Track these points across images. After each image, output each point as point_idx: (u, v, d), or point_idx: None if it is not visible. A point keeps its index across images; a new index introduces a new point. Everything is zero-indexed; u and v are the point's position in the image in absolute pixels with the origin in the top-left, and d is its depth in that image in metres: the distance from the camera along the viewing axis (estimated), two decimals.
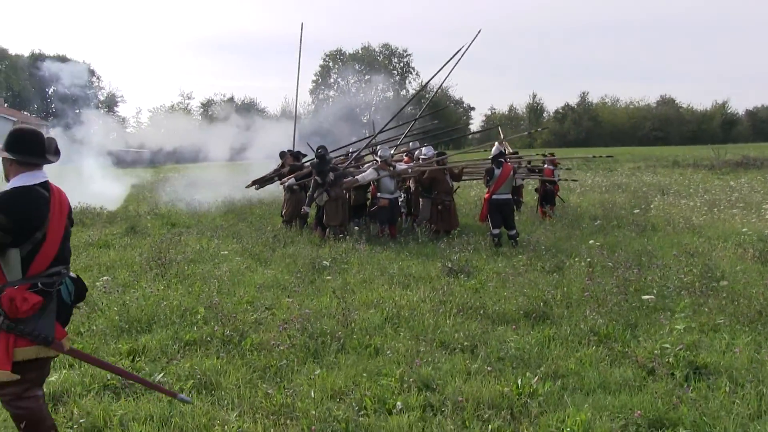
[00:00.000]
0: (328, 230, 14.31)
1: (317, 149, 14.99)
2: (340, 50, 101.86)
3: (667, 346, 6.33)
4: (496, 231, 13.24)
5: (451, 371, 6.20)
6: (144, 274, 10.44)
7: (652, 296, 8.20)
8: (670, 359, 6.16)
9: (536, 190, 18.42)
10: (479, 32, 18.19)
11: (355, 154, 17.21)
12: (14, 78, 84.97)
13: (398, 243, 13.44)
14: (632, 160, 45.65)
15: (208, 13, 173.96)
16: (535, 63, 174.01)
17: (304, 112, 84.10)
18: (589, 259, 10.36)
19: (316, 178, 14.50)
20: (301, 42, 20.32)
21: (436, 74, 18.81)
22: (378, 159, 14.95)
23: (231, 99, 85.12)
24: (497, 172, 13.33)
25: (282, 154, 17.22)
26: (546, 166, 18.40)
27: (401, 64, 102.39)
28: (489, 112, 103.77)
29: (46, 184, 4.39)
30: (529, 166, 18.61)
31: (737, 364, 6.23)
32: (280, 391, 5.67)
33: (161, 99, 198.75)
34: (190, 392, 5.79)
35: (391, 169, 14.69)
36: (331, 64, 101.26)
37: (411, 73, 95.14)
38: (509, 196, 13.61)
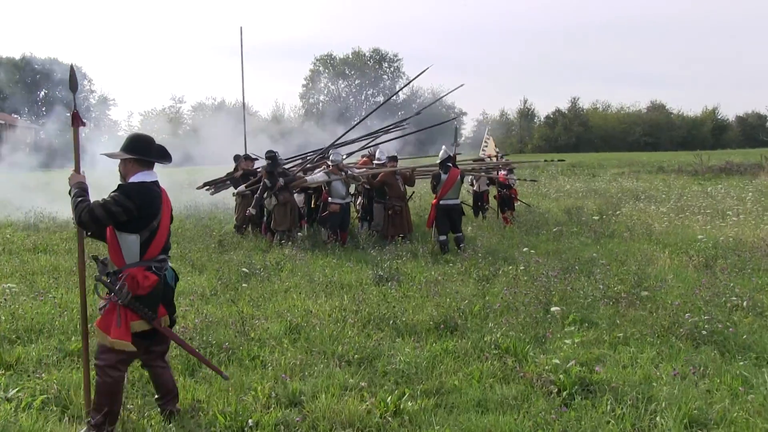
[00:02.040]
0: (276, 235, 14.03)
1: (266, 153, 14.72)
2: (331, 54, 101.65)
3: (557, 361, 5.96)
4: (443, 238, 13.00)
5: (326, 386, 5.85)
6: (65, 281, 10.10)
7: (558, 308, 7.83)
8: (561, 376, 5.81)
9: (494, 197, 18.07)
10: (430, 66, 18.24)
11: (309, 160, 16.89)
12: (5, 81, 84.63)
13: (345, 249, 13.11)
14: (618, 165, 45.29)
15: (202, 16, 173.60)
16: (527, 67, 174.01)
17: (295, 116, 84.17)
18: (522, 267, 10.01)
19: (265, 181, 14.21)
20: (242, 46, 20.64)
21: (392, 96, 18.47)
22: (329, 163, 14.62)
23: (222, 103, 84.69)
24: (444, 177, 13.12)
25: (236, 158, 16.89)
26: (501, 172, 18.02)
27: (391, 69, 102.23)
28: (481, 117, 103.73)
29: (157, 183, 5.02)
30: (485, 174, 18.21)
31: (632, 380, 5.89)
32: (135, 405, 5.36)
33: (153, 103, 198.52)
34: (39, 408, 5.47)
35: (343, 174, 14.37)
36: (321, 68, 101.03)
37: (401, 78, 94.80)
38: (457, 201, 13.40)
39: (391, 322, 7.72)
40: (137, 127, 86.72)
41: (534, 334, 7.14)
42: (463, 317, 7.91)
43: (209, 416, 5.32)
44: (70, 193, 4.96)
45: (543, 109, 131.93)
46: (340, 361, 6.52)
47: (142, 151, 4.99)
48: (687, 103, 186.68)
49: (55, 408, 5.52)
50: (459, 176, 13.31)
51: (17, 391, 5.81)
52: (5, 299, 8.61)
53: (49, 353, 6.80)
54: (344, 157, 15.19)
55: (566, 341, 6.50)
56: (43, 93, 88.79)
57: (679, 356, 6.53)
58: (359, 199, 16.21)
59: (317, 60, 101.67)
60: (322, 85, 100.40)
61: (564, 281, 8.98)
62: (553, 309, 7.78)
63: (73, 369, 6.39)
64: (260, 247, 13.33)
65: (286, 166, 16.12)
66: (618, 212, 18.43)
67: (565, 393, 5.59)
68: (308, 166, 16.21)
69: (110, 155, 5.08)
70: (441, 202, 13.12)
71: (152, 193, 4.91)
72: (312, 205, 16.01)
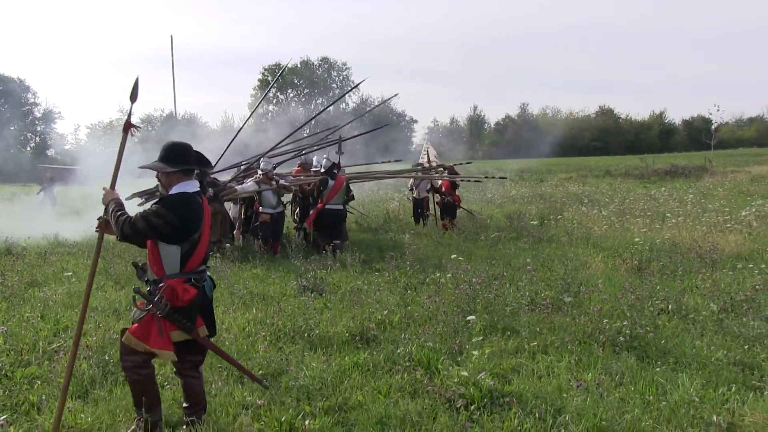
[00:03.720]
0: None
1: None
2: (279, 64, 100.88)
3: (465, 374, 5.69)
4: (319, 240, 13.68)
5: (223, 404, 5.53)
6: None
7: (475, 317, 7.57)
8: (471, 389, 5.53)
9: (437, 203, 17.85)
10: (368, 78, 17.98)
11: (242, 169, 16.45)
12: None
13: (274, 260, 12.76)
14: (566, 170, 45.68)
15: (147, 27, 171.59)
16: (477, 75, 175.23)
17: (245, 126, 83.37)
18: (449, 275, 9.76)
19: None
20: (172, 54, 20.29)
21: (324, 110, 18.22)
22: (260, 172, 14.25)
23: (170, 114, 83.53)
24: (331, 183, 13.77)
25: None
26: (443, 179, 17.78)
27: (340, 77, 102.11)
28: (431, 124, 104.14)
29: (199, 193, 4.93)
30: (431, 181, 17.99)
31: (545, 391, 5.65)
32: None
33: (100, 115, 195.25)
34: None
35: (273, 183, 14.03)
36: (270, 78, 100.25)
37: (350, 86, 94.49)
38: (341, 207, 14.03)
39: (305, 334, 7.39)
40: (84, 140, 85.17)
41: (450, 345, 6.85)
42: (381, 328, 7.62)
43: None
44: (107, 210, 4.90)
45: (493, 116, 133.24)
46: (243, 377, 6.17)
47: (181, 160, 4.89)
48: (635, 108, 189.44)
49: None
50: (344, 183, 13.96)
51: None
52: None
53: None
54: (274, 166, 14.82)
55: (474, 352, 6.22)
56: None
57: (598, 364, 6.32)
58: (297, 209, 15.92)
59: (265, 69, 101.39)
60: (271, 94, 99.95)
61: (489, 288, 8.73)
62: (469, 318, 7.51)
63: None
64: None
65: (222, 176, 15.71)
66: (560, 217, 18.36)
67: (473, 407, 5.31)
68: (241, 175, 15.81)
69: (150, 167, 4.97)
70: (326, 207, 13.80)
71: (194, 205, 4.83)
72: (242, 216, 15.61)
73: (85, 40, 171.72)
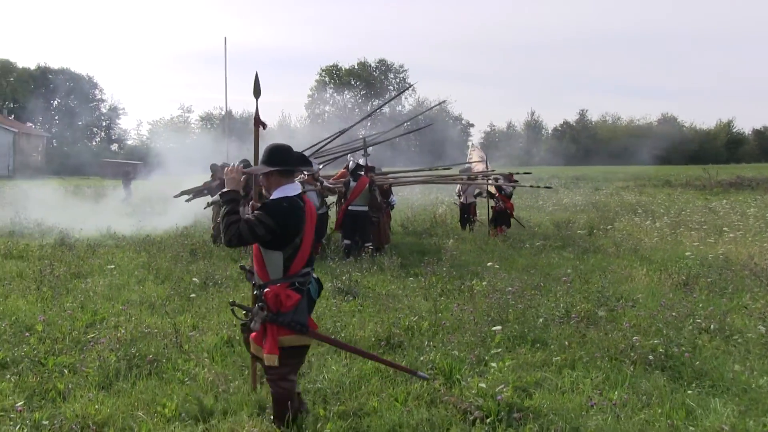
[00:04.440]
0: None
1: (240, 162, 14.46)
2: (336, 65, 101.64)
3: (483, 385, 5.59)
4: (347, 241, 13.62)
5: (240, 402, 5.59)
6: (21, 288, 9.87)
7: (499, 327, 7.44)
8: (488, 401, 5.43)
9: (492, 207, 17.62)
10: (416, 83, 17.95)
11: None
12: (20, 90, 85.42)
13: (316, 261, 12.78)
14: (624, 179, 44.80)
15: (211, 26, 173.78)
16: (535, 79, 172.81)
17: (301, 127, 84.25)
18: (484, 283, 9.65)
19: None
20: (225, 55, 20.49)
21: (374, 111, 18.24)
22: (304, 173, 14.30)
23: (230, 113, 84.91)
24: (353, 184, 13.72)
25: (213, 167, 16.64)
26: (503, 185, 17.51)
27: (397, 80, 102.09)
28: (488, 129, 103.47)
29: (300, 196, 4.92)
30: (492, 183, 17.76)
31: (566, 407, 5.50)
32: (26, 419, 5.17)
33: (161, 112, 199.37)
34: None
35: (318, 184, 14.07)
36: (327, 79, 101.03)
37: (407, 88, 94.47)
38: (365, 208, 13.78)
39: (332, 337, 7.37)
40: (146, 137, 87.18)
41: (477, 355, 6.75)
42: (409, 334, 7.55)
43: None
44: (221, 197, 4.94)
45: (551, 121, 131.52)
46: (263, 377, 6.19)
47: (282, 161, 4.91)
48: (700, 117, 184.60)
49: None
50: (367, 185, 13.78)
51: None
52: None
53: None
54: (320, 167, 14.86)
55: (493, 364, 6.11)
56: (56, 102, 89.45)
57: (626, 382, 6.13)
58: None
59: (323, 70, 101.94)
60: (328, 95, 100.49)
61: (522, 298, 8.59)
62: (494, 328, 7.39)
63: None
64: (232, 257, 13.03)
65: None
66: (610, 227, 17.99)
67: (488, 420, 5.21)
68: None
69: (251, 170, 5.10)
70: (349, 208, 13.72)
71: (296, 210, 4.83)
72: None
73: (145, 39, 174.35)
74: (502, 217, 17.08)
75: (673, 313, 7.97)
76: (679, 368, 6.51)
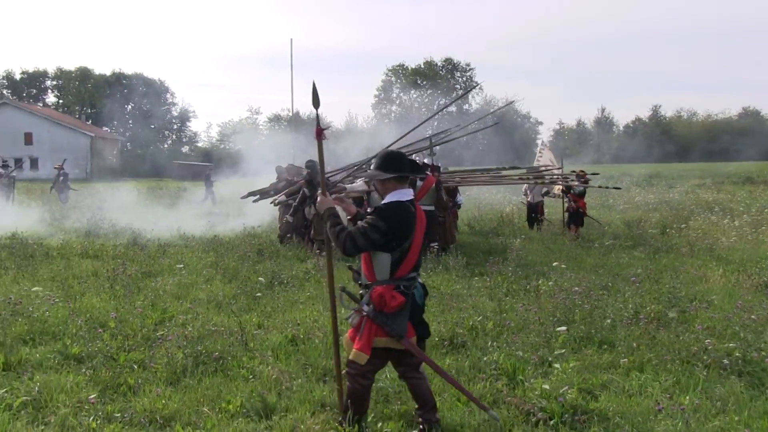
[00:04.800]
0: (315, 244, 13.87)
1: (306, 162, 14.66)
2: (403, 65, 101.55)
3: (546, 387, 5.49)
4: None
5: (302, 400, 5.62)
6: (95, 286, 10.15)
7: (564, 328, 7.29)
8: (552, 403, 5.33)
9: (566, 210, 17.35)
10: (479, 84, 17.63)
11: (356, 169, 16.59)
12: (96, 96, 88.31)
13: None
14: (700, 176, 43.50)
15: (276, 28, 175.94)
16: (603, 75, 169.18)
17: (367, 127, 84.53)
18: (551, 283, 9.49)
19: (305, 190, 14.13)
20: (291, 56, 20.60)
21: (441, 110, 18.10)
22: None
23: (297, 114, 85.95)
24: (419, 183, 13.32)
25: (278, 169, 16.84)
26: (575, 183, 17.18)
27: (464, 79, 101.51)
28: (557, 126, 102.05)
29: (412, 201, 4.97)
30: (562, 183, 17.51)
31: (632, 411, 5.34)
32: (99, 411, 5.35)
33: (230, 114, 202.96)
34: (18, 410, 5.48)
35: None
36: (393, 78, 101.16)
37: (474, 87, 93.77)
38: (431, 208, 13.37)
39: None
40: (216, 138, 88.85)
41: (540, 356, 6.64)
42: (473, 334, 7.47)
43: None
44: (322, 218, 5.07)
45: (622, 118, 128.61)
46: (326, 376, 6.25)
47: (396, 167, 4.97)
48: None
49: (31, 410, 5.50)
50: (433, 184, 13.48)
51: (5, 392, 5.82)
52: (30, 302, 8.69)
53: (51, 356, 6.79)
54: None
55: (556, 365, 5.99)
56: (130, 106, 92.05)
57: (698, 387, 5.90)
58: None
59: (389, 70, 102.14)
60: (394, 95, 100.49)
61: (588, 298, 8.41)
62: (559, 329, 7.26)
63: (63, 372, 6.37)
64: (299, 257, 13.16)
65: (335, 177, 15.92)
66: (684, 225, 17.49)
67: (552, 422, 5.12)
68: (353, 176, 15.94)
69: (366, 176, 5.12)
70: None
71: (407, 214, 4.87)
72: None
73: (212, 43, 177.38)
74: (575, 217, 16.81)
75: (752, 316, 7.65)
76: (758, 374, 6.24)
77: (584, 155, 62.95)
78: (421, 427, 5.02)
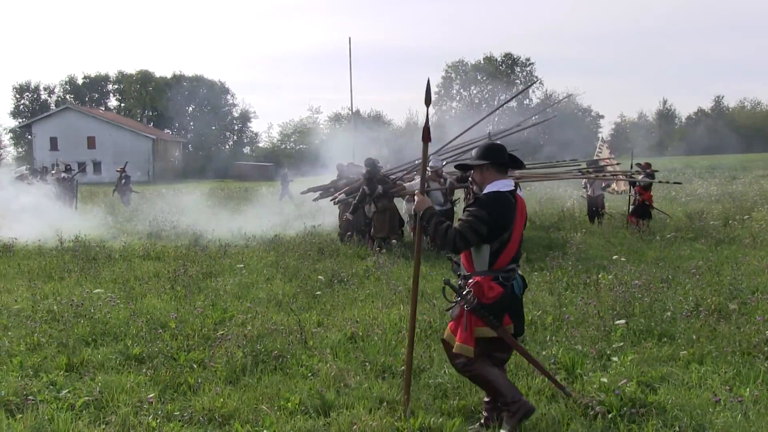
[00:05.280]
0: (375, 242, 13.97)
1: (366, 160, 14.77)
2: (462, 61, 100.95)
3: (605, 380, 5.45)
4: None
5: (361, 397, 5.70)
6: (156, 287, 10.38)
7: (624, 321, 7.22)
8: (611, 397, 5.31)
9: (633, 202, 17.13)
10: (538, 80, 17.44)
11: (416, 167, 16.62)
12: (158, 99, 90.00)
13: (440, 257, 12.84)
14: (764, 167, 42.34)
15: (333, 27, 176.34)
16: (666, 66, 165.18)
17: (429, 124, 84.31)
18: (610, 276, 9.38)
19: (364, 188, 14.23)
20: (350, 55, 20.88)
21: (501, 105, 17.98)
22: (429, 169, 14.37)
23: (357, 112, 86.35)
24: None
25: (339, 167, 16.96)
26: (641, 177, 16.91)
27: (524, 73, 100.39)
28: (619, 119, 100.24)
29: (513, 192, 5.00)
30: (628, 178, 17.31)
31: (692, 403, 5.30)
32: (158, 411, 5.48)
33: (290, 114, 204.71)
34: (80, 410, 5.60)
35: (441, 180, 14.11)
36: (453, 75, 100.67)
37: (534, 83, 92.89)
38: None
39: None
40: (277, 138, 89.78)
41: (599, 349, 6.60)
42: (532, 329, 7.47)
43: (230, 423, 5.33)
44: (422, 219, 5.08)
45: (684, 110, 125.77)
46: (385, 372, 6.32)
47: (497, 156, 5.01)
48: None
49: (93, 410, 5.63)
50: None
51: (67, 392, 5.97)
52: (92, 304, 8.91)
53: (113, 357, 6.97)
54: (444, 163, 14.89)
55: (614, 358, 5.95)
56: (191, 108, 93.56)
57: (758, 378, 5.83)
58: None
59: (449, 66, 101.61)
60: (455, 91, 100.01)
61: (648, 291, 8.30)
62: (618, 322, 7.19)
63: (125, 372, 6.52)
64: (359, 255, 13.25)
65: (395, 174, 16.00)
66: (747, 217, 17.09)
67: (610, 415, 5.09)
68: (414, 173, 15.98)
69: (467, 164, 5.26)
70: None
71: (507, 204, 4.90)
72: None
73: (269, 43, 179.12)
74: (641, 210, 16.60)
75: None
76: None
77: (646, 148, 61.68)
78: (486, 416, 5.13)
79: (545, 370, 5.31)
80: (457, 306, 4.95)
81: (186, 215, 20.14)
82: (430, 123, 5.27)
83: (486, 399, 5.19)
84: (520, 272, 5.13)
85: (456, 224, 4.87)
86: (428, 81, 5.27)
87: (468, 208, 4.89)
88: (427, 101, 5.24)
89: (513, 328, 5.04)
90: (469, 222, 4.76)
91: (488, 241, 4.81)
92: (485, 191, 4.96)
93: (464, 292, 4.88)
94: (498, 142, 5.10)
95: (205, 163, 76.90)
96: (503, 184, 4.96)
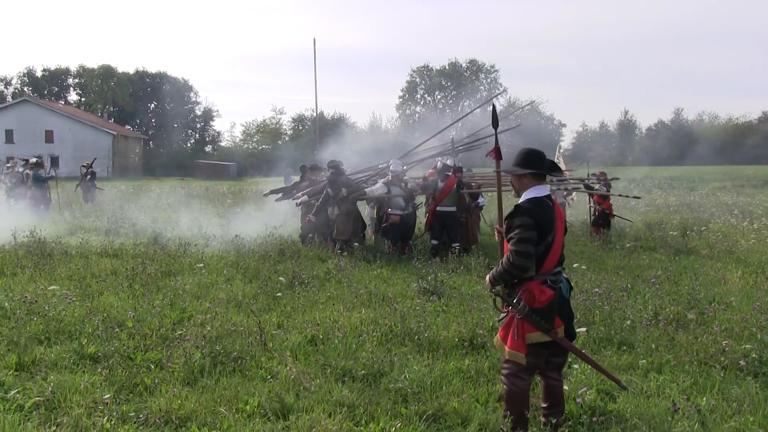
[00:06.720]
0: (337, 245, 13.93)
1: (329, 162, 14.73)
2: (427, 66, 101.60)
3: (566, 388, 5.47)
4: (434, 242, 13.78)
5: (320, 400, 5.65)
6: (114, 285, 10.18)
7: (584, 329, 7.28)
8: (569, 404, 5.34)
9: (593, 212, 17.29)
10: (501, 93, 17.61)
11: (379, 171, 16.58)
12: (119, 94, 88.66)
13: (400, 261, 12.85)
14: (720, 179, 43.18)
15: (299, 28, 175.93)
16: (627, 77, 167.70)
17: (391, 127, 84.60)
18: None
19: (328, 190, 14.18)
20: (315, 56, 20.86)
21: (467, 114, 18.06)
22: (389, 174, 14.37)
23: (321, 114, 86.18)
24: (441, 185, 13.73)
25: (302, 168, 16.86)
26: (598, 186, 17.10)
27: (488, 80, 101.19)
28: (580, 128, 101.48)
29: (549, 197, 5.04)
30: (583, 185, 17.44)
31: (650, 412, 5.34)
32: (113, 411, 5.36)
33: (253, 114, 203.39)
34: (30, 411, 5.47)
35: (402, 185, 14.12)
36: (417, 79, 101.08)
37: (498, 89, 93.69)
38: (453, 209, 13.81)
39: (415, 337, 7.37)
40: (239, 138, 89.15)
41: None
42: (493, 335, 7.43)
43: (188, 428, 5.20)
44: (494, 285, 5.05)
45: (645, 121, 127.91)
46: (345, 376, 6.26)
47: (536, 164, 5.03)
48: None
49: (44, 411, 5.49)
50: (455, 185, 13.79)
51: (16, 392, 5.81)
52: (46, 301, 8.69)
53: (67, 356, 6.80)
54: (405, 168, 14.90)
55: (575, 366, 5.98)
56: (153, 105, 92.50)
57: (714, 388, 5.91)
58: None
59: (414, 71, 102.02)
60: (419, 96, 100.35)
61: (608, 300, 8.38)
62: (579, 330, 7.23)
63: (79, 372, 6.38)
64: (320, 257, 13.17)
65: (357, 176, 15.94)
66: (704, 228, 17.39)
67: (569, 423, 5.11)
68: (374, 177, 15.95)
69: (506, 171, 5.20)
70: (437, 208, 13.81)
71: (547, 208, 4.95)
72: (376, 215, 15.81)
73: (234, 42, 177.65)
74: (601, 219, 16.76)
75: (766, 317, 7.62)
76: None
77: (607, 158, 62.60)
78: (544, 421, 5.11)
79: (603, 369, 5.30)
80: (507, 313, 5.00)
81: (146, 213, 19.85)
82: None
83: (543, 405, 5.20)
84: (565, 275, 5.18)
85: (508, 246, 4.85)
86: (494, 106, 5.47)
87: (509, 218, 4.89)
88: (494, 124, 5.42)
89: (564, 330, 5.06)
90: (518, 237, 4.77)
91: (536, 244, 4.83)
92: (522, 198, 5.02)
93: (515, 300, 4.88)
94: (538, 149, 5.10)
95: (166, 161, 76.04)
96: (539, 190, 5.00)
